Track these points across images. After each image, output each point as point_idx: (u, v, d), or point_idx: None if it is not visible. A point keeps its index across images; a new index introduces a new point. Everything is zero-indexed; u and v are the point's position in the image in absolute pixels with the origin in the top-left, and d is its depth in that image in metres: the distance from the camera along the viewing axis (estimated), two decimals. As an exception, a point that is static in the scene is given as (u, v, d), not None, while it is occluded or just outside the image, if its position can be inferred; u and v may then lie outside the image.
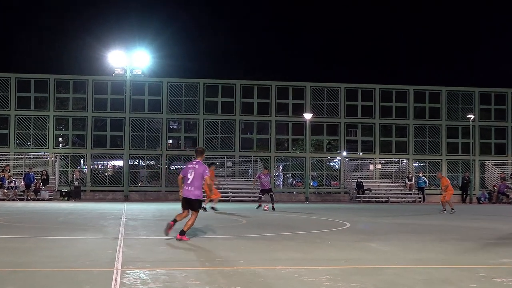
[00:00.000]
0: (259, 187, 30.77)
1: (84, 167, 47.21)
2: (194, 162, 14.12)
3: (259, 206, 29.59)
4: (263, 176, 29.93)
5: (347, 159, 49.50)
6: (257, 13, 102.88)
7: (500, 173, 48.58)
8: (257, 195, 32.15)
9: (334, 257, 11.33)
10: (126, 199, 42.72)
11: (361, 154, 50.98)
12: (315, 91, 49.11)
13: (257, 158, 47.78)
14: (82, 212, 26.17)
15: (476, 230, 18.18)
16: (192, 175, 13.79)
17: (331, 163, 51.74)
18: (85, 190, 44.72)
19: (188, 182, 13.82)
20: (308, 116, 45.63)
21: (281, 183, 51.39)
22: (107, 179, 47.29)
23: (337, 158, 50.70)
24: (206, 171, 13.85)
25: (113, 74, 44.03)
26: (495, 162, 50.55)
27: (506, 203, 44.63)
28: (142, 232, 16.26)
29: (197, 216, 14.03)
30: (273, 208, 28.95)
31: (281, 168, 52.00)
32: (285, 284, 8.34)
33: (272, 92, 48.53)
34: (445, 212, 28.40)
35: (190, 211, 13.93)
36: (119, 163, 48.91)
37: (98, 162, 49.99)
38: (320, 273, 9.22)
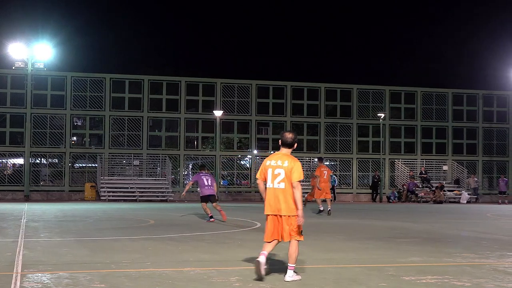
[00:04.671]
0: None
1: (-19, 165, 45.30)
2: None
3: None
4: None
5: (258, 157, 48.92)
6: (165, 7, 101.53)
7: (409, 172, 48.97)
8: None
9: (244, 258, 11.23)
10: (27, 199, 41.36)
11: (272, 152, 50.38)
12: (226, 88, 48.32)
13: (166, 156, 46.62)
14: (-21, 213, 25.37)
15: (386, 229, 18.47)
16: None
17: (241, 162, 51.16)
18: (-18, 190, 43.25)
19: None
20: (218, 113, 44.92)
21: (190, 182, 50.19)
22: (6, 178, 45.36)
23: (248, 156, 50.13)
24: None
25: (13, 67, 42.66)
26: (405, 161, 50.99)
27: (415, 201, 45.04)
28: (44, 233, 15.81)
29: None
30: None
31: (191, 166, 50.92)
32: (194, 286, 8.28)
33: (182, 88, 47.48)
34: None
35: None
36: (19, 161, 47.20)
37: (-3, 160, 47.67)
38: (230, 274, 9.23)
